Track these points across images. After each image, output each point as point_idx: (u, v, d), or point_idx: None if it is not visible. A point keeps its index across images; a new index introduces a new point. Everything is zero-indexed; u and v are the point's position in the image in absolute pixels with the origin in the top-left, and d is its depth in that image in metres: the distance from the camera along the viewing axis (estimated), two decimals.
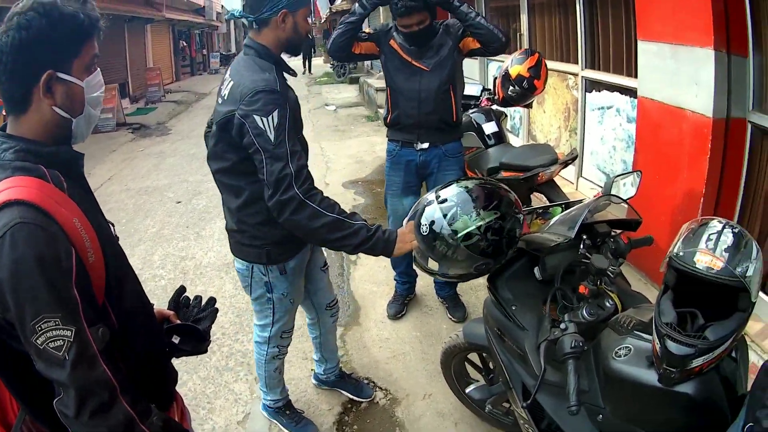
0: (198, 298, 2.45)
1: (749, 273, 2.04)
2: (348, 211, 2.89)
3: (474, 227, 2.55)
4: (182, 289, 2.47)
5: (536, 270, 2.86)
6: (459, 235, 2.55)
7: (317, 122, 13.60)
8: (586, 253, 2.69)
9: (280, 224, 2.89)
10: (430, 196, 2.72)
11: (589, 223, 2.74)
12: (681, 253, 2.15)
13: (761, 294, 4.33)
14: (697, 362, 2.07)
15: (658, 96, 4.88)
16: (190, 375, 4.54)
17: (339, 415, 4.16)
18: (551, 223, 2.92)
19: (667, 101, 4.76)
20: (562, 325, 2.43)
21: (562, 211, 3.22)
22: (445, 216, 2.59)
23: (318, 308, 3.88)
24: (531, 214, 3.46)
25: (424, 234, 2.64)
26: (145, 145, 12.80)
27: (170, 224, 7.71)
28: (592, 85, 6.80)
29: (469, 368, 3.89)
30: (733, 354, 2.28)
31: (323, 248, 3.75)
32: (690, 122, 4.48)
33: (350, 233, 2.82)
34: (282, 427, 3.96)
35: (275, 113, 2.76)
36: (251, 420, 4.11)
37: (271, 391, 3.88)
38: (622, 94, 6.15)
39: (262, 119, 2.74)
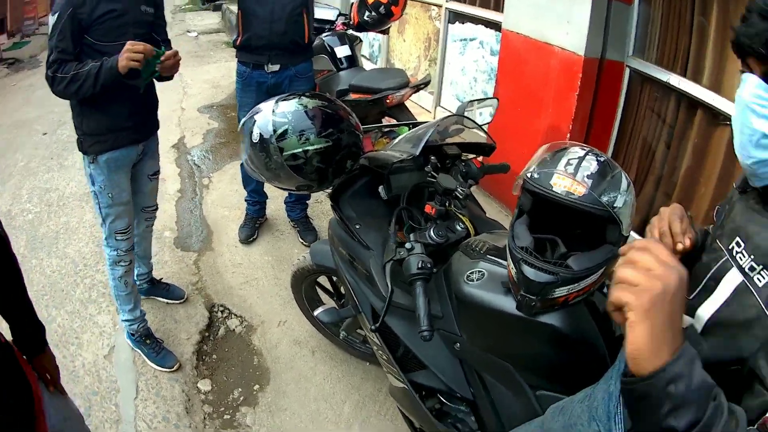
0: None
1: (618, 204, 1.81)
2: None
3: (300, 150, 2.42)
4: None
5: (381, 189, 2.64)
6: (285, 153, 2.42)
7: (178, 48, 12.54)
8: (434, 174, 2.54)
9: (85, 114, 3.23)
10: (268, 104, 2.53)
11: (439, 144, 2.61)
12: (536, 175, 1.89)
13: (641, 238, 4.26)
14: (560, 292, 1.87)
15: (525, 30, 4.76)
16: (58, 310, 4.25)
17: (198, 344, 3.97)
18: (396, 141, 2.75)
19: (534, 36, 4.65)
20: (408, 245, 2.21)
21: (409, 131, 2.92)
22: (275, 131, 2.43)
23: (136, 209, 3.74)
24: (376, 132, 3.19)
25: (254, 142, 2.48)
26: (18, 80, 11.98)
27: (36, 157, 7.20)
28: (456, 17, 6.66)
29: (322, 293, 3.75)
30: (605, 291, 2.09)
31: (158, 157, 3.78)
32: (558, 59, 4.39)
33: (87, 77, 2.96)
34: (144, 357, 3.77)
35: (55, 15, 2.97)
36: (116, 352, 3.88)
37: (123, 307, 3.74)
38: (487, 27, 6.04)
39: (50, 17, 3.02)
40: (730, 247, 1.50)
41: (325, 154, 2.43)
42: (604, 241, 1.88)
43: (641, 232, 4.30)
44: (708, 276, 1.53)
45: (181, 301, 4.28)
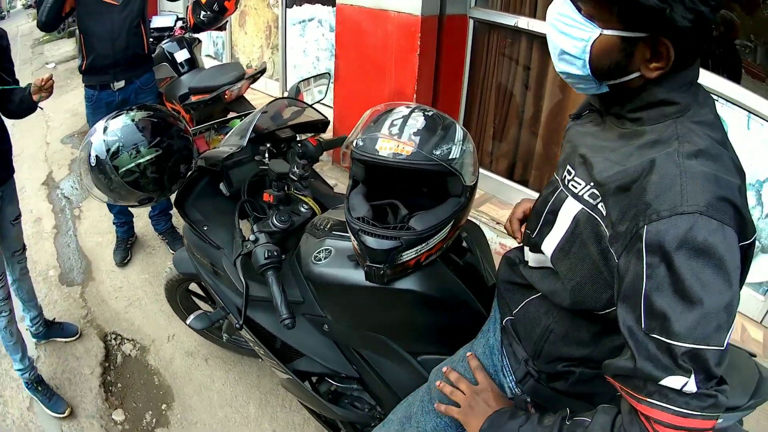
0: None
1: (453, 155, 1.81)
2: None
3: (134, 165, 2.39)
4: None
5: (222, 185, 2.64)
6: (120, 171, 2.38)
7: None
8: (268, 161, 2.53)
9: None
10: (100, 125, 2.48)
11: (272, 130, 2.62)
12: (360, 142, 1.87)
13: (512, 183, 4.51)
14: (408, 255, 1.86)
15: (359, 1, 4.73)
16: None
17: (101, 376, 3.86)
18: (228, 136, 2.73)
19: (368, 5, 4.64)
20: (252, 237, 2.21)
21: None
22: (108, 150, 2.39)
23: (6, 257, 3.57)
24: (209, 131, 3.16)
25: (92, 165, 2.42)
26: None
27: None
28: (293, 1, 6.69)
29: (198, 300, 3.74)
30: (465, 244, 2.16)
31: (17, 201, 3.55)
32: (395, 23, 4.38)
33: None
34: (39, 403, 3.64)
35: None
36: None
37: (13, 357, 3.61)
38: (323, 5, 6.08)
39: None
40: (563, 177, 1.51)
41: (158, 162, 2.40)
42: (449, 195, 1.88)
43: (512, 176, 4.39)
44: (546, 210, 1.54)
45: (77, 336, 4.17)
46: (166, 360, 3.89)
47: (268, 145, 2.60)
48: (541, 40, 3.89)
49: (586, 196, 1.38)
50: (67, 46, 15.91)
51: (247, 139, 2.36)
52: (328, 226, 2.24)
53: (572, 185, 1.44)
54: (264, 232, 2.21)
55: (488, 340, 1.84)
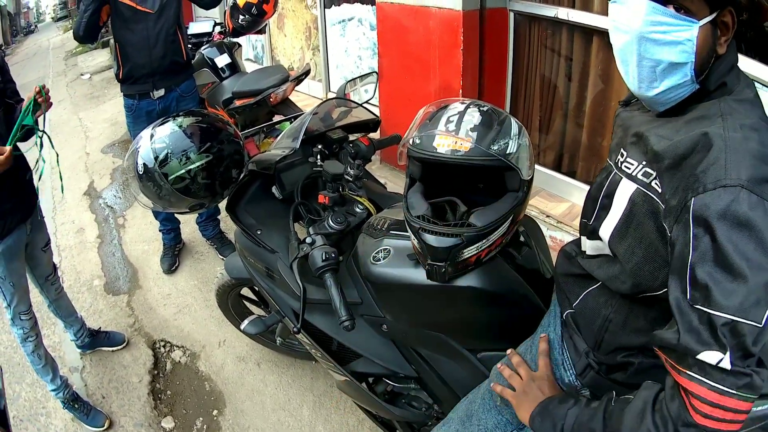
0: None
1: (511, 150, 1.81)
2: None
3: (183, 171, 2.38)
4: None
5: (274, 189, 2.64)
6: (170, 178, 2.37)
7: (74, 94, 12.60)
8: (321, 162, 2.53)
9: None
10: (146, 132, 2.47)
11: (324, 131, 2.61)
12: (417, 140, 1.88)
13: (560, 175, 4.42)
14: (469, 252, 1.86)
15: None
16: (20, 384, 4.12)
17: (150, 384, 3.89)
18: (278, 138, 2.74)
19: (409, 2, 4.63)
20: (309, 239, 2.20)
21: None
22: (156, 158, 2.37)
23: (39, 283, 3.65)
24: (258, 134, 3.18)
25: (140, 173, 2.42)
26: None
27: None
28: (331, 1, 6.69)
29: (251, 305, 3.76)
30: (522, 239, 2.15)
31: (45, 227, 3.56)
32: (437, 19, 4.37)
33: None
34: (78, 420, 3.66)
35: None
36: None
37: (44, 379, 3.64)
38: (363, 3, 6.06)
39: None
40: (616, 161, 1.52)
41: (209, 168, 2.41)
42: (507, 191, 1.88)
43: (559, 168, 4.37)
44: (601, 195, 1.55)
45: (124, 345, 4.21)
46: (217, 366, 3.90)
47: (320, 146, 2.61)
48: (582, 30, 3.87)
49: (639, 176, 1.41)
50: (101, 57, 16.10)
51: (299, 141, 2.37)
52: (386, 225, 2.24)
53: (625, 166, 1.47)
54: (320, 234, 2.21)
55: (548, 334, 1.85)
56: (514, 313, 2.03)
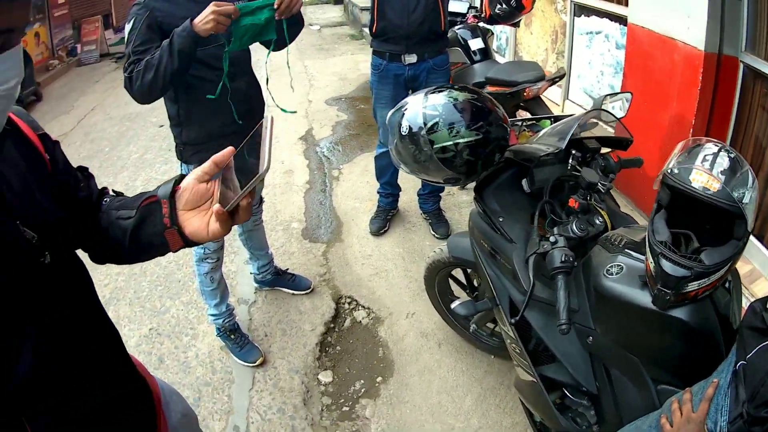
0: None
1: (746, 200, 1.90)
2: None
3: (452, 143, 2.45)
4: None
5: (524, 182, 2.72)
6: (435, 146, 2.46)
7: (301, 41, 12.93)
8: (576, 167, 2.57)
9: (184, 123, 3.27)
10: (417, 97, 2.58)
11: (579, 138, 2.63)
12: (676, 170, 1.99)
13: (752, 238, 4.27)
14: (692, 286, 1.95)
15: (650, 25, 4.75)
16: (173, 300, 4.44)
17: (322, 336, 4.07)
18: (540, 134, 2.80)
19: (658, 30, 4.64)
20: (552, 238, 2.30)
21: (551, 125, 3.03)
22: (425, 124, 2.47)
23: None
24: (519, 126, 3.28)
25: (403, 134, 2.54)
26: None
27: (153, 149, 7.45)
28: (581, 10, 6.66)
29: (455, 286, 3.80)
30: (727, 285, 2.19)
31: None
32: (681, 53, 4.39)
33: (161, 56, 2.84)
34: (229, 351, 3.91)
35: (131, 22, 2.98)
36: None
37: (208, 302, 3.83)
38: (611, 20, 6.01)
39: (126, 26, 3.05)
40: None
41: (475, 147, 2.47)
42: (731, 237, 1.96)
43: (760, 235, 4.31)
44: None
45: (307, 291, 4.40)
46: (398, 335, 4.02)
47: (574, 151, 2.64)
48: None
49: None
50: (333, 12, 16.59)
51: (566, 142, 2.44)
52: (623, 242, 2.30)
53: None
54: (563, 236, 2.31)
55: (719, 380, 1.94)
56: (704, 353, 2.08)
